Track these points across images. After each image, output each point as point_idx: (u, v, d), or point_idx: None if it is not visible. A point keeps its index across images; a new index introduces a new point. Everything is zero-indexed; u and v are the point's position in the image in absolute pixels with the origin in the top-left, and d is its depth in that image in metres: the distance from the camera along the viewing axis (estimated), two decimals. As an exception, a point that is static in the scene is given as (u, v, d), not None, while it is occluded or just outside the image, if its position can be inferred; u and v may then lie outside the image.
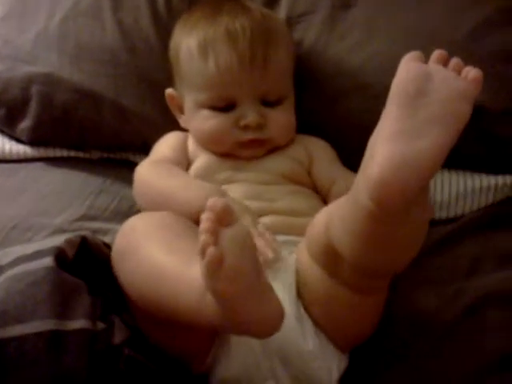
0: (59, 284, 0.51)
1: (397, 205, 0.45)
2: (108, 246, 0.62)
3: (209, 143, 0.73)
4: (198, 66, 0.71)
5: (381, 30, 0.78)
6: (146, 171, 0.72)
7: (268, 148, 0.73)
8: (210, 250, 0.44)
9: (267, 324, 0.47)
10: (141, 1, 0.82)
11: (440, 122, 0.46)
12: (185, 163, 0.73)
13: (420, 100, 0.46)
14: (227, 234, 0.45)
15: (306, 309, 0.57)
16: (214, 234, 0.45)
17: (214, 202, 0.46)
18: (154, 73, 0.81)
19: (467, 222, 0.73)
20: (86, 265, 0.58)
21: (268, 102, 0.71)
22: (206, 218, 0.45)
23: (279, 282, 0.57)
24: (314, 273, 0.56)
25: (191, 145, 0.75)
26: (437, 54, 0.50)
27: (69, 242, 0.56)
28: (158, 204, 0.66)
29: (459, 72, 0.49)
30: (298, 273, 0.58)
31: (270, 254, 0.57)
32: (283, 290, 0.57)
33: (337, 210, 0.53)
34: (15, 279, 0.51)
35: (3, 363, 0.48)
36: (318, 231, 0.54)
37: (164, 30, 0.80)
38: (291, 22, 0.80)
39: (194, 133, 0.75)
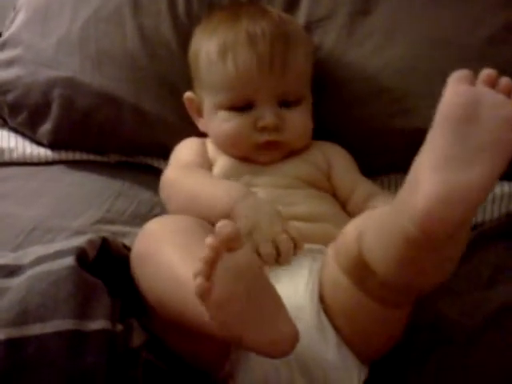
0: (80, 284, 0.52)
1: (443, 235, 0.44)
2: (128, 248, 0.62)
3: (227, 145, 0.73)
4: (217, 68, 0.71)
5: (399, 35, 0.78)
6: (174, 174, 0.72)
7: (285, 152, 0.73)
8: (198, 280, 0.45)
9: (279, 345, 0.47)
10: (161, 6, 0.83)
11: (489, 151, 0.44)
12: (207, 167, 0.74)
13: (469, 127, 0.44)
14: (226, 260, 0.46)
15: (329, 318, 0.56)
16: (211, 263, 0.45)
17: (223, 224, 0.46)
18: (174, 78, 0.81)
19: (487, 229, 0.72)
20: (105, 266, 0.58)
21: (285, 103, 0.72)
22: (208, 245, 0.46)
23: (300, 290, 0.57)
24: (341, 283, 0.55)
25: (210, 150, 0.75)
26: (485, 75, 0.47)
27: (90, 242, 0.56)
28: (187, 203, 0.66)
29: (509, 94, 0.46)
30: (323, 282, 0.57)
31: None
32: (304, 298, 0.56)
33: (371, 224, 0.51)
34: (37, 278, 0.52)
35: (23, 361, 0.48)
36: (348, 242, 0.53)
37: (184, 35, 0.81)
38: (310, 26, 0.81)
39: (212, 135, 0.75)
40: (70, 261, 0.53)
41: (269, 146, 0.71)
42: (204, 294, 0.45)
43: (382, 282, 0.51)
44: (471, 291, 0.65)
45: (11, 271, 0.54)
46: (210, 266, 0.45)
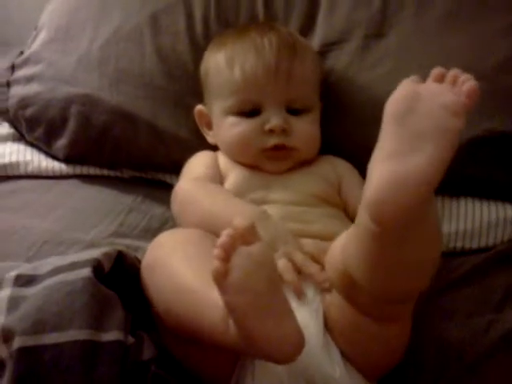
0: (96, 295, 0.52)
1: (395, 222, 0.45)
2: (140, 262, 0.63)
3: (236, 151, 0.74)
4: (225, 75, 0.73)
5: (412, 60, 0.79)
6: (187, 186, 0.73)
7: (294, 161, 0.74)
8: (215, 263, 0.46)
9: (285, 346, 0.47)
10: (180, 27, 0.85)
11: (430, 137, 0.45)
12: (219, 180, 0.74)
13: (409, 118, 0.47)
14: (244, 250, 0.47)
15: (332, 338, 0.57)
16: (227, 248, 0.47)
17: (239, 221, 0.48)
18: (189, 97, 0.82)
19: (498, 252, 0.72)
20: (118, 279, 0.59)
21: (293, 111, 0.73)
22: (225, 233, 0.47)
23: (306, 310, 0.57)
24: (336, 302, 0.56)
25: (222, 162, 0.76)
26: (434, 73, 0.49)
27: (106, 254, 0.57)
28: (202, 221, 0.67)
29: (454, 82, 0.48)
30: (323, 301, 0.58)
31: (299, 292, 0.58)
32: (310, 317, 0.57)
33: (349, 235, 0.53)
34: (53, 288, 0.53)
35: (39, 369, 0.49)
36: (335, 259, 0.55)
37: (201, 56, 0.82)
38: (325, 49, 0.82)
39: (221, 143, 0.76)
40: (86, 272, 0.53)
41: (277, 151, 0.72)
42: (220, 277, 0.46)
43: (365, 292, 0.52)
44: (480, 314, 0.65)
45: (28, 281, 0.55)
46: (227, 251, 0.47)
